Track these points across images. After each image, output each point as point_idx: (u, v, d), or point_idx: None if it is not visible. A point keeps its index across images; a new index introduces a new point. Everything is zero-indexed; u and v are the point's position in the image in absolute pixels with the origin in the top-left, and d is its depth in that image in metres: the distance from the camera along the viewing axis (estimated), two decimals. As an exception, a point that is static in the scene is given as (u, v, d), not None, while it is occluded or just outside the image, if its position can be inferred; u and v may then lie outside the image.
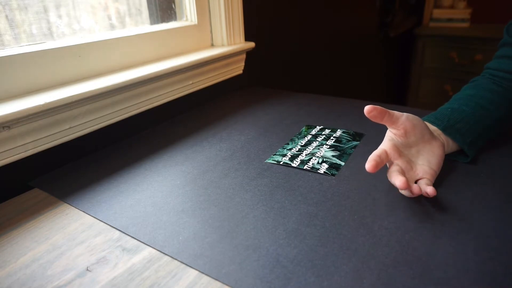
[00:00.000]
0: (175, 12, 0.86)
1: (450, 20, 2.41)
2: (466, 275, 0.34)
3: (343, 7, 1.55)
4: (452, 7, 2.43)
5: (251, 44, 0.95)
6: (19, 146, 0.53)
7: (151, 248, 0.40)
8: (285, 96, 0.89)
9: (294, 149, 0.60)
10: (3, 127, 0.50)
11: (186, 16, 0.87)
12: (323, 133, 0.66)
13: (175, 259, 0.38)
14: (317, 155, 0.58)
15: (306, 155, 0.58)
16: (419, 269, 0.35)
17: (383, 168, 0.53)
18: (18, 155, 0.53)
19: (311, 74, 1.41)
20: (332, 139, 0.63)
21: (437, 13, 2.44)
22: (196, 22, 0.87)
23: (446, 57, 2.33)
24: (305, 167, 0.54)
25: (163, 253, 0.39)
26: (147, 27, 0.79)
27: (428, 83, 2.46)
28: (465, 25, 2.37)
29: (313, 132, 0.67)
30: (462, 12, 2.38)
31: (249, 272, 0.36)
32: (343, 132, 0.66)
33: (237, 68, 0.96)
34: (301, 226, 0.42)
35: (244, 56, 0.97)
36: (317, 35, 1.38)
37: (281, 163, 0.56)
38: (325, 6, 1.39)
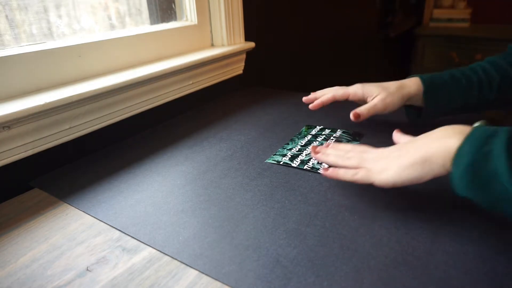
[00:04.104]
0: (175, 12, 0.86)
1: (450, 20, 2.42)
2: (466, 275, 0.34)
3: (343, 7, 1.55)
4: (452, 7, 2.43)
5: (251, 44, 0.95)
6: (19, 146, 0.53)
7: (151, 248, 0.40)
8: (285, 96, 0.89)
9: (294, 149, 0.60)
10: (3, 127, 0.50)
11: (186, 16, 0.87)
12: (323, 133, 0.66)
13: (175, 259, 0.38)
14: (317, 155, 0.58)
15: (306, 155, 0.58)
16: (419, 269, 0.35)
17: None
18: (18, 155, 0.53)
19: (311, 74, 1.41)
20: (332, 139, 0.63)
21: (437, 13, 2.44)
22: (196, 22, 0.87)
23: (446, 57, 2.33)
24: (305, 167, 0.54)
25: (163, 253, 0.39)
26: (147, 27, 0.79)
27: (428, 83, 2.46)
28: (465, 25, 2.37)
29: (313, 132, 0.67)
30: (462, 12, 2.38)
31: (249, 272, 0.36)
32: (343, 132, 0.66)
33: (237, 68, 0.96)
34: (301, 226, 0.42)
35: (244, 56, 0.97)
36: (317, 35, 1.38)
37: (281, 163, 0.56)
38: (325, 6, 1.39)
